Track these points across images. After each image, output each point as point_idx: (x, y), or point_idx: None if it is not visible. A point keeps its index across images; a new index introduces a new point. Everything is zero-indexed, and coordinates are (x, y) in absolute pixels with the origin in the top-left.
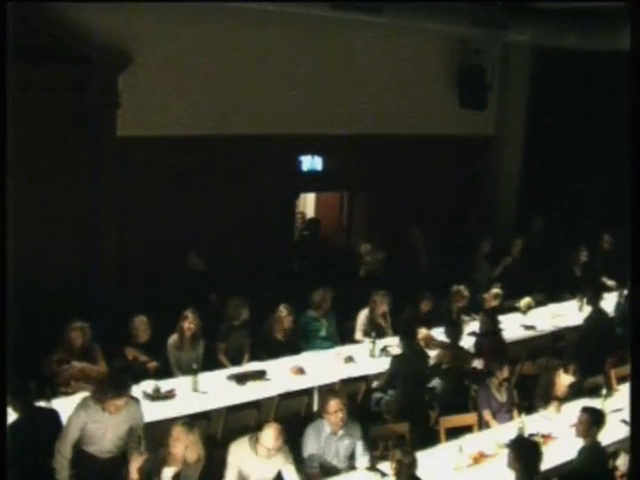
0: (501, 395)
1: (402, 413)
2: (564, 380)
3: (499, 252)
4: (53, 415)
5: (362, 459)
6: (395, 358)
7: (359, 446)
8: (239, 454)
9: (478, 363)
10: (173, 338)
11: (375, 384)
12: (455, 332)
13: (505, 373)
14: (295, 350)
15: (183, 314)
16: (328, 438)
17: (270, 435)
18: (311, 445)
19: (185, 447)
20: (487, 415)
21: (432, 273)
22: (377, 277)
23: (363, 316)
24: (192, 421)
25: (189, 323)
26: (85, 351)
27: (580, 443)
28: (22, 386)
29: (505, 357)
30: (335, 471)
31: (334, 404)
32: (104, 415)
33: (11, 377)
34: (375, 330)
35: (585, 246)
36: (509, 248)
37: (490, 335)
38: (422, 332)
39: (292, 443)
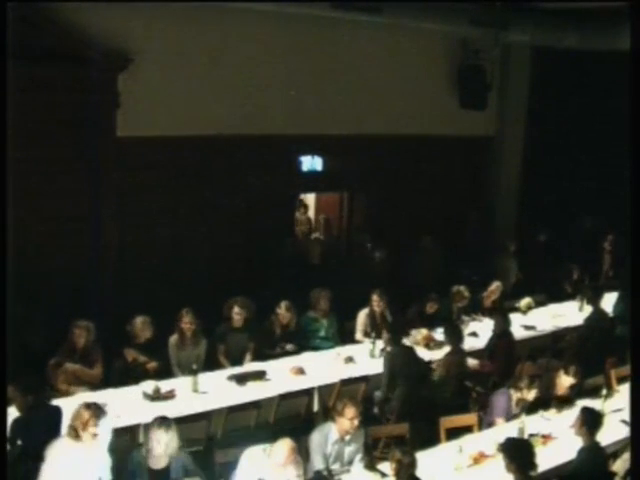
0: (517, 408)
1: (405, 411)
2: (564, 381)
3: (524, 251)
4: (56, 411)
5: (358, 464)
6: (387, 355)
7: (360, 451)
8: (252, 464)
9: (472, 363)
10: (174, 337)
11: (377, 393)
12: (456, 335)
13: (531, 396)
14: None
15: (179, 314)
16: (335, 443)
17: (281, 451)
18: (318, 450)
19: (166, 445)
20: (501, 422)
21: (435, 274)
22: (377, 277)
23: (363, 316)
24: (164, 419)
25: (184, 323)
26: (86, 351)
27: (580, 443)
28: (33, 381)
29: (509, 361)
30: (334, 474)
31: (353, 411)
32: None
33: (15, 375)
34: (375, 330)
35: (577, 265)
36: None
37: (503, 336)
38: (422, 332)
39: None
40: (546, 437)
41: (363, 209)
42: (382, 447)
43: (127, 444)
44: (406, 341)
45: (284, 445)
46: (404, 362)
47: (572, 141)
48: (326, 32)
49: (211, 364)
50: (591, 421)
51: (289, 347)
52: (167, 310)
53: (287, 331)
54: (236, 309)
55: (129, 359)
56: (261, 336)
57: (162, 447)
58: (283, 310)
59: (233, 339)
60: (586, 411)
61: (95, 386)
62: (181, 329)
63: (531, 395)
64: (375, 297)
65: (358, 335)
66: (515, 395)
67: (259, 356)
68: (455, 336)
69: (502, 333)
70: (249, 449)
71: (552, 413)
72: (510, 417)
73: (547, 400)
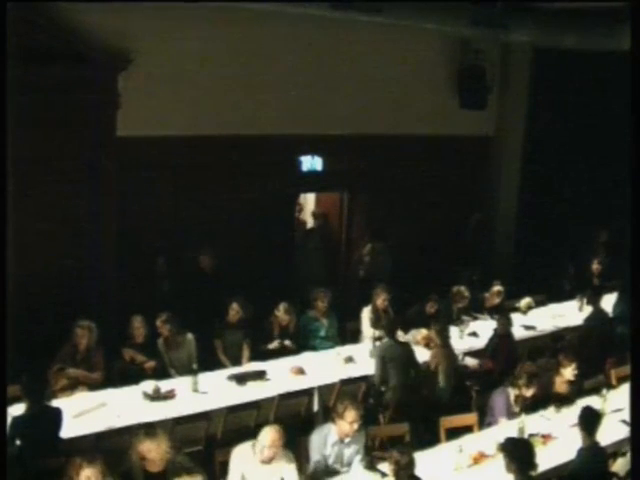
0: (517, 406)
1: (399, 408)
2: (563, 375)
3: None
4: (56, 413)
5: (359, 465)
6: (379, 346)
7: (360, 452)
8: (241, 460)
9: (472, 363)
10: (160, 340)
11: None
12: (444, 331)
13: (530, 393)
14: (294, 349)
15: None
16: (335, 444)
17: (268, 434)
18: (316, 452)
19: (154, 452)
20: (503, 422)
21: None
22: (377, 277)
23: (366, 312)
24: (150, 427)
25: (159, 326)
26: (88, 353)
27: (579, 443)
28: (34, 382)
29: (509, 361)
30: (334, 474)
31: (353, 415)
32: None
33: (16, 375)
34: (378, 327)
35: (572, 261)
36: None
37: (504, 336)
38: (422, 332)
39: (292, 444)
40: (546, 437)
41: (363, 209)
42: (378, 446)
43: (127, 444)
44: (405, 338)
45: (270, 429)
46: (395, 356)
47: (572, 141)
48: (326, 32)
49: (211, 364)
50: (589, 421)
51: (286, 342)
52: (166, 309)
53: (286, 332)
54: (234, 305)
55: (126, 358)
56: (258, 336)
57: (152, 454)
58: (282, 312)
59: (229, 336)
60: (583, 411)
61: (95, 386)
62: (161, 332)
63: (529, 392)
64: (379, 292)
65: (366, 329)
66: (513, 392)
67: (259, 355)
68: (444, 333)
69: (504, 334)
70: (238, 447)
71: (552, 413)
72: (511, 415)
73: (547, 399)
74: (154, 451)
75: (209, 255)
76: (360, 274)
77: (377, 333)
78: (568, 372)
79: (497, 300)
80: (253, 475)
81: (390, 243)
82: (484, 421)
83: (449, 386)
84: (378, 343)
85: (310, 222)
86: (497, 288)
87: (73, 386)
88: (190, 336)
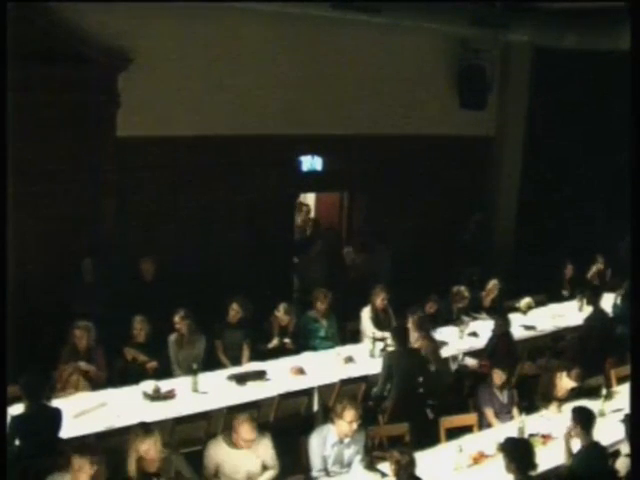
0: (502, 395)
1: (398, 413)
2: (566, 383)
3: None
4: (56, 413)
5: (359, 465)
6: (388, 354)
7: (360, 452)
8: (218, 453)
9: (472, 363)
10: (173, 336)
11: (375, 389)
12: (422, 321)
13: (501, 379)
14: (294, 349)
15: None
16: (334, 445)
17: (245, 428)
18: (316, 453)
19: (151, 451)
20: (489, 413)
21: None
22: (376, 277)
23: (366, 312)
24: (146, 426)
25: (176, 322)
26: (89, 353)
27: (579, 444)
28: (34, 382)
29: (509, 361)
30: (334, 474)
31: (352, 414)
32: None
33: (16, 375)
34: (380, 327)
35: (571, 261)
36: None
37: (503, 336)
38: None
39: (292, 444)
40: (546, 437)
41: (363, 209)
42: (378, 446)
43: (127, 444)
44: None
45: (244, 421)
46: (403, 365)
47: (572, 141)
48: (326, 32)
49: (211, 364)
50: (582, 419)
51: (286, 340)
52: (167, 309)
53: (286, 332)
54: (234, 306)
55: (128, 358)
56: (258, 336)
57: (152, 453)
58: (282, 312)
59: (229, 336)
60: (576, 411)
61: (95, 386)
62: (177, 329)
63: (498, 377)
64: (378, 292)
65: (365, 329)
66: (494, 383)
67: (259, 355)
68: (421, 323)
69: (502, 334)
70: (211, 441)
71: (552, 413)
72: (499, 407)
73: (547, 399)
74: (151, 450)
75: (150, 260)
76: (359, 274)
77: (378, 333)
78: (569, 383)
79: (494, 294)
80: (230, 461)
81: (390, 243)
82: (483, 422)
83: (443, 373)
84: (381, 345)
85: (310, 225)
86: (493, 282)
87: (79, 384)
88: (203, 339)
